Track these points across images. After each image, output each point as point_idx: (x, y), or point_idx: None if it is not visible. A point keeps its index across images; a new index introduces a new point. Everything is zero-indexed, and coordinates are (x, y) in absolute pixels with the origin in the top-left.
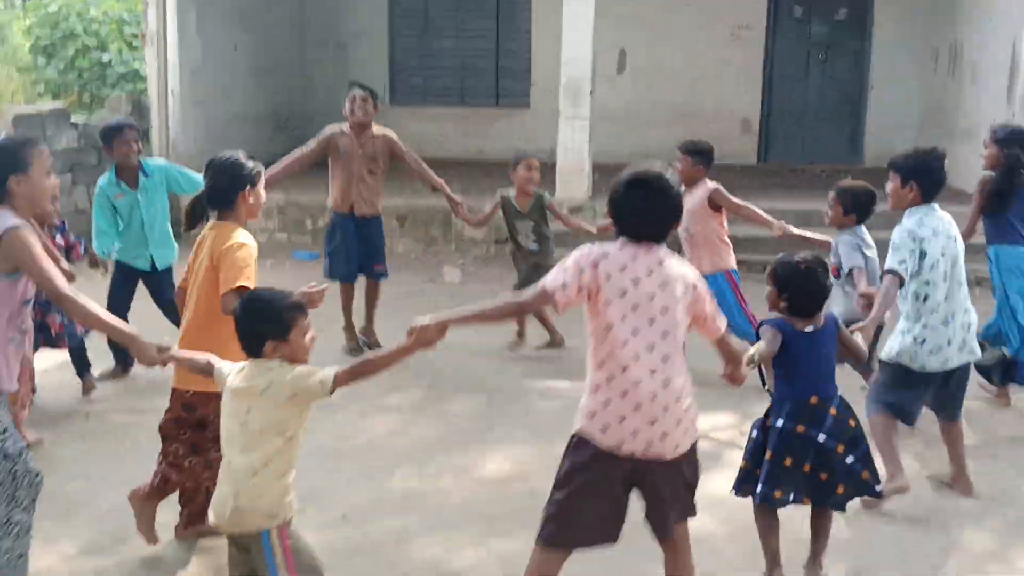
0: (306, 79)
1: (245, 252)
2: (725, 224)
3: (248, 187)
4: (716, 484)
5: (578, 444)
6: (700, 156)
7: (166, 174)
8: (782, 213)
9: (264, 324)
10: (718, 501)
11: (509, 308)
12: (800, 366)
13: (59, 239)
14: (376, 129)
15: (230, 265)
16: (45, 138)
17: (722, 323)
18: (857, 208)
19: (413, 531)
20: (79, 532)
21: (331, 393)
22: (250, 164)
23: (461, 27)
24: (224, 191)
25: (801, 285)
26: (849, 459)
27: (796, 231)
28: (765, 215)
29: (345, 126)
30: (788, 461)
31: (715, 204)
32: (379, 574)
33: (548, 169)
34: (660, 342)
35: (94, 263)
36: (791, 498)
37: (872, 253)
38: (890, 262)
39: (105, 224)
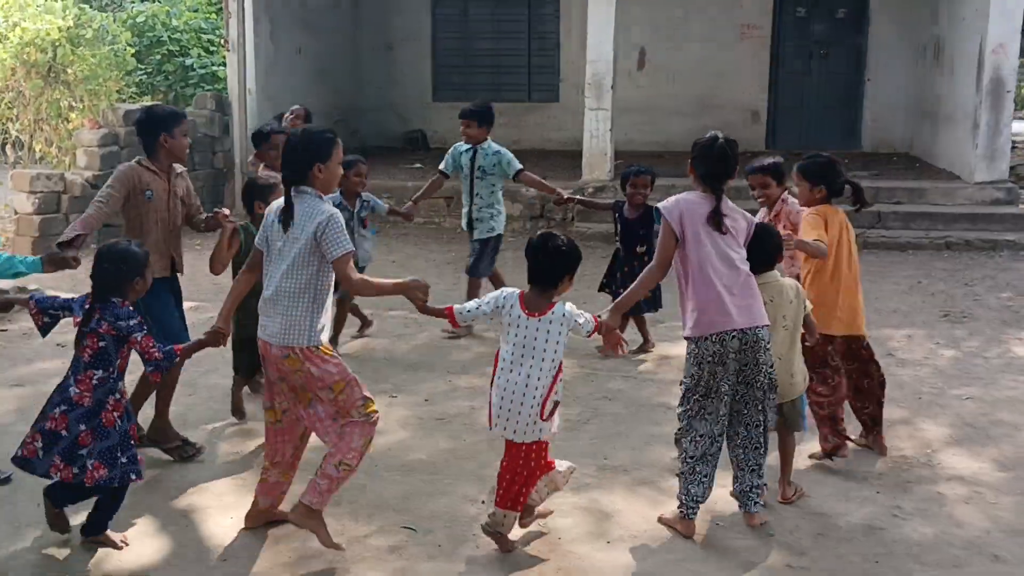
0: (359, 78)
1: None
2: None
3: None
4: None
5: None
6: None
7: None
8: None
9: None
10: None
11: None
12: None
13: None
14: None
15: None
16: None
17: None
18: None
19: (477, 409)
20: None
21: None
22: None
23: (496, 30)
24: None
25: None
26: None
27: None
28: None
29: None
30: None
31: None
32: (454, 431)
33: (576, 156)
34: None
35: None
36: None
37: None
38: None
39: None
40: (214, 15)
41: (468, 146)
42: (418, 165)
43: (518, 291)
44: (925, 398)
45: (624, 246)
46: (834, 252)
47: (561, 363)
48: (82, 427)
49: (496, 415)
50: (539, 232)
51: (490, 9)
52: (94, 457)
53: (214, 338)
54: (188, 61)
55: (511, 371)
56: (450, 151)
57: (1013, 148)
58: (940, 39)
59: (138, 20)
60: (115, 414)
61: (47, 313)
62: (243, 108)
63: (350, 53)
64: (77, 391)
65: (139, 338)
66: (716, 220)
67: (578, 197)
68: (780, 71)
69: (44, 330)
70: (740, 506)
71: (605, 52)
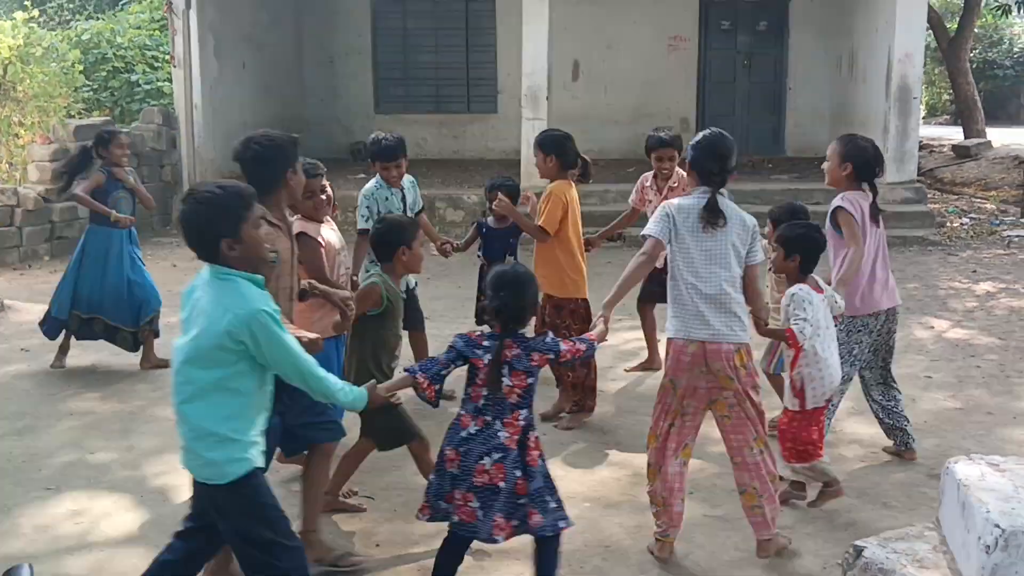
0: (303, 91)
1: None
2: None
3: None
4: None
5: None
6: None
7: None
8: None
9: None
10: None
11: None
12: None
13: None
14: None
15: None
16: None
17: None
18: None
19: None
20: None
21: None
22: None
23: (436, 44)
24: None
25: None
26: None
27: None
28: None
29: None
30: None
31: None
32: None
33: (516, 164)
34: None
35: None
36: None
37: None
38: None
39: None
40: (158, 31)
41: (388, 189)
42: (363, 175)
43: (801, 285)
44: None
45: (492, 259)
46: (567, 224)
47: None
48: (517, 473)
49: (828, 390)
50: (788, 224)
51: (429, 23)
52: (528, 504)
53: (606, 327)
54: (134, 77)
55: (830, 348)
56: (367, 202)
57: (931, 152)
58: (854, 49)
59: (84, 38)
60: (536, 452)
61: (438, 379)
62: (190, 122)
63: (294, 67)
64: (507, 434)
65: (562, 347)
66: (875, 214)
67: (455, 243)
68: (708, 81)
69: (437, 401)
70: (902, 445)
71: (540, 64)
